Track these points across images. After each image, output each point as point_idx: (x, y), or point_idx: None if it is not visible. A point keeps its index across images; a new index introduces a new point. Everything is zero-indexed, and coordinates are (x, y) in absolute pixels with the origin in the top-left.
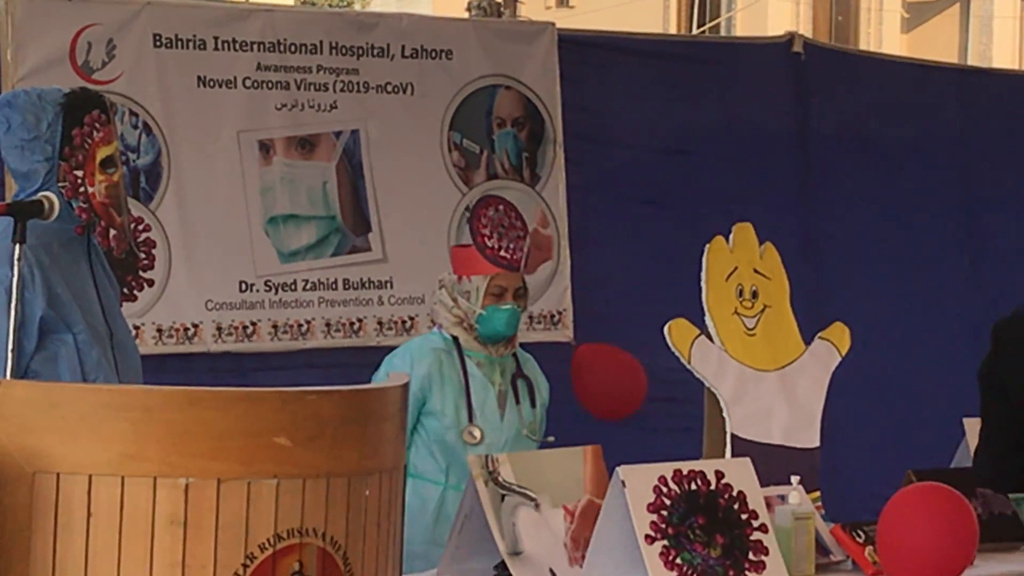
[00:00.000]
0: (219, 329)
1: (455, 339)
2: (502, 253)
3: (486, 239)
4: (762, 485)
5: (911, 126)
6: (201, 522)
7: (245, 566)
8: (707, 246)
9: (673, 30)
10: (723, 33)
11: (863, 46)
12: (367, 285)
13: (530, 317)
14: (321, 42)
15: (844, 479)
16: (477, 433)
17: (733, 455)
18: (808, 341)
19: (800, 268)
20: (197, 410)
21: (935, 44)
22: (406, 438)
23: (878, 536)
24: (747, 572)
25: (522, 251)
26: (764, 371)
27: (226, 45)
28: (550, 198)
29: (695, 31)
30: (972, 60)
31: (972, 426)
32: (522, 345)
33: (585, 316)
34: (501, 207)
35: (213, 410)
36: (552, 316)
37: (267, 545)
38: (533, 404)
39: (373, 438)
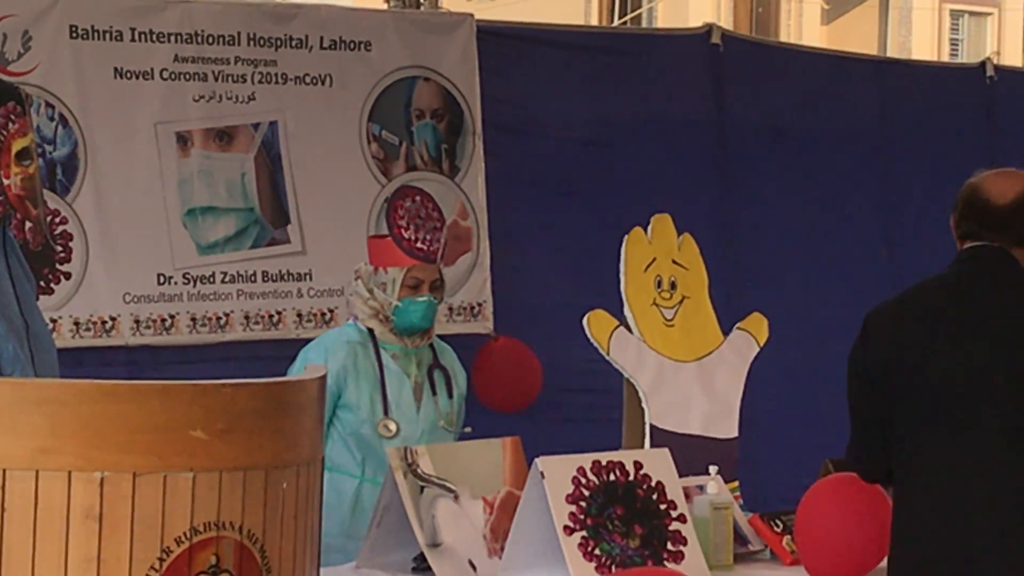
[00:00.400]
0: (137, 322)
1: (371, 331)
2: (419, 245)
3: (403, 231)
4: (681, 475)
5: (829, 117)
6: (116, 516)
7: (161, 560)
8: (625, 237)
9: (595, 21)
10: (644, 24)
11: (783, 38)
12: (286, 277)
13: (450, 308)
14: (239, 33)
15: (763, 469)
16: (392, 426)
17: (652, 445)
18: (727, 332)
19: (719, 259)
20: (112, 403)
21: (855, 36)
22: (324, 430)
23: (796, 526)
24: (665, 562)
25: (439, 242)
26: (683, 362)
27: (143, 36)
28: (469, 190)
29: (616, 22)
30: (891, 52)
31: None
32: (442, 336)
33: (505, 307)
34: (418, 198)
35: (128, 403)
36: (472, 308)
37: (183, 539)
38: (450, 395)
39: (290, 430)
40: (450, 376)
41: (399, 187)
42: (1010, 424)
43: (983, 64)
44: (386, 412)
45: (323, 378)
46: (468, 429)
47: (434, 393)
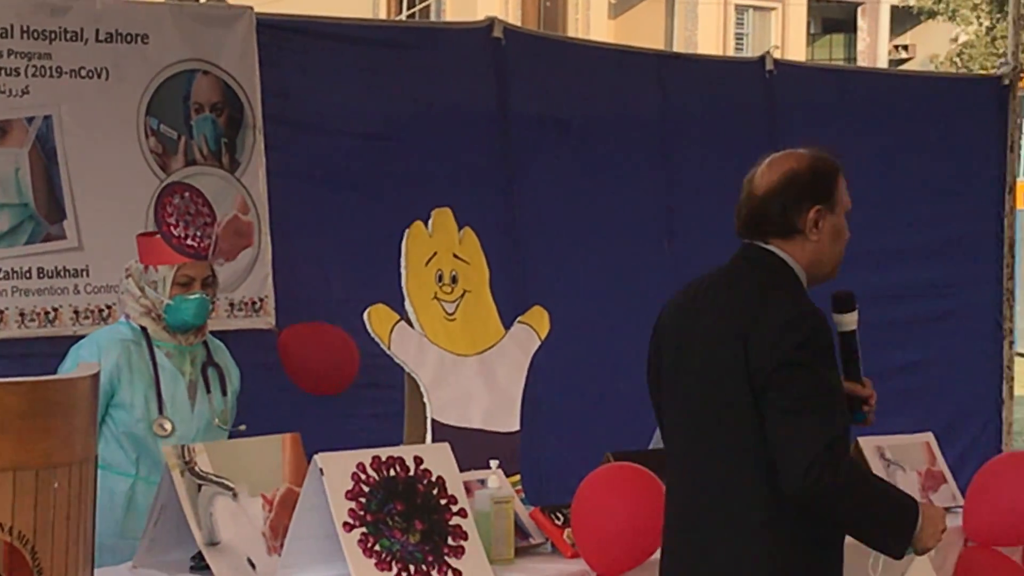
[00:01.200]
0: None
1: (144, 329)
2: (189, 242)
3: (172, 228)
4: (462, 470)
5: (613, 111)
6: None
7: None
8: (406, 231)
9: (383, 14)
10: (432, 17)
11: (571, 32)
12: (62, 274)
13: (231, 304)
14: (11, 26)
15: (546, 462)
16: (168, 426)
17: (434, 440)
18: (509, 325)
19: (502, 252)
20: None
21: (642, 30)
22: (97, 429)
23: (572, 518)
24: (446, 557)
25: (210, 238)
26: (464, 356)
27: None
28: (250, 184)
29: (404, 15)
30: (678, 46)
31: None
32: (223, 332)
33: (287, 303)
34: (187, 194)
35: None
36: (253, 303)
37: None
38: (224, 393)
39: (62, 430)
40: (224, 373)
41: (168, 184)
42: (692, 427)
43: (763, 58)
44: (161, 411)
45: (96, 376)
46: (242, 427)
47: (208, 391)
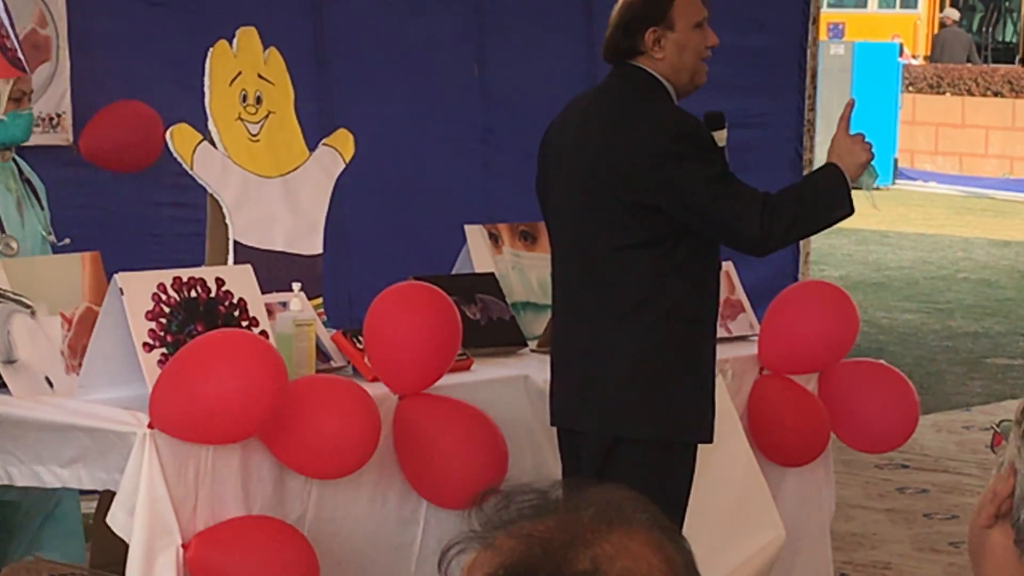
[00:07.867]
0: None
1: None
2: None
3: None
4: (264, 292)
5: None
6: None
7: None
8: (210, 50)
9: None
10: None
11: None
12: None
13: None
14: None
15: (349, 286)
16: (15, 245)
17: (236, 262)
18: (314, 148)
19: (309, 73)
20: None
21: None
22: None
23: (365, 338)
24: None
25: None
26: (267, 177)
27: None
28: None
29: None
30: None
31: (473, 233)
32: (22, 149)
33: (86, 119)
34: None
35: None
36: (51, 118)
37: None
38: (43, 207)
39: None
40: (35, 186)
41: None
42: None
43: None
44: (3, 230)
45: None
46: (67, 240)
47: (31, 205)
